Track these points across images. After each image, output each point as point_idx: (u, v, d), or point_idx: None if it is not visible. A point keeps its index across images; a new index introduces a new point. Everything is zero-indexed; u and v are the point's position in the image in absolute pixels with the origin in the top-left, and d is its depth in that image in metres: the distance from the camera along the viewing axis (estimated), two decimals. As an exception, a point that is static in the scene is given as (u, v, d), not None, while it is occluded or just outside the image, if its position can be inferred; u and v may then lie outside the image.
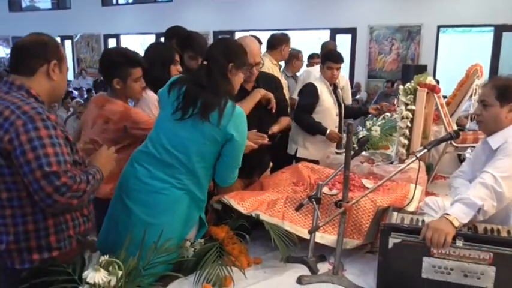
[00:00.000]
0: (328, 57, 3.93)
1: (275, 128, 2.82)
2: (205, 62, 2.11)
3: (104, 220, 2.16)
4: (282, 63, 5.18)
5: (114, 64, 2.45)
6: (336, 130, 3.91)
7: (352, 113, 4.36)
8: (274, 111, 2.80)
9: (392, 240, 1.86)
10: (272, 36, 4.72)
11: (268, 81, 2.98)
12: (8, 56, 16.24)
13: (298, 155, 3.96)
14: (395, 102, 4.31)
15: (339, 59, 3.93)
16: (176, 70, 2.78)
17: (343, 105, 4.13)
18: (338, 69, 3.92)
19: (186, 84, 2.07)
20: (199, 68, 2.14)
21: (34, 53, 1.75)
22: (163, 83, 2.21)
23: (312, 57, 5.71)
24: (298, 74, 5.41)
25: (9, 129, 1.60)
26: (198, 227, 2.21)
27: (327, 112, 3.89)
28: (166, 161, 2.03)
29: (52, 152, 1.60)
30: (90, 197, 1.78)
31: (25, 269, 1.71)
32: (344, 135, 3.92)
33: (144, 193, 2.03)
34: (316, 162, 3.27)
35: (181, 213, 2.06)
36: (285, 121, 3.01)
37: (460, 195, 1.95)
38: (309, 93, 3.86)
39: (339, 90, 4.12)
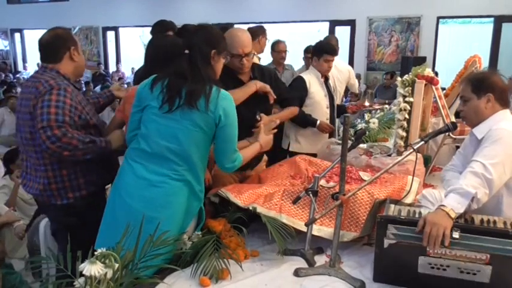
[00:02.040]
0: (326, 50, 3.87)
1: (276, 117, 2.77)
2: (186, 51, 2.08)
3: (102, 220, 2.16)
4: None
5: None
6: (328, 122, 3.87)
7: None
8: (272, 102, 2.80)
9: (388, 241, 1.86)
10: (248, 29, 4.64)
11: (265, 73, 2.97)
12: (7, 48, 16.27)
13: (290, 149, 3.92)
14: (367, 101, 4.30)
15: (335, 52, 3.91)
16: None
17: (335, 97, 4.09)
18: (332, 61, 3.91)
19: (169, 76, 2.06)
20: (181, 58, 2.09)
21: (58, 44, 2.37)
22: None
23: (307, 51, 5.20)
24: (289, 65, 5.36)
25: (37, 96, 2.19)
26: (197, 219, 2.21)
27: (317, 105, 3.85)
28: (159, 154, 2.03)
29: (54, 111, 2.14)
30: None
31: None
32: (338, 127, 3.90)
33: (142, 188, 2.02)
34: (309, 155, 3.25)
35: (181, 205, 2.06)
36: (291, 110, 3.05)
37: (452, 186, 1.96)
38: (298, 86, 3.82)
39: (330, 81, 4.07)
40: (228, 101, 2.05)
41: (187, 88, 2.00)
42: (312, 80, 3.84)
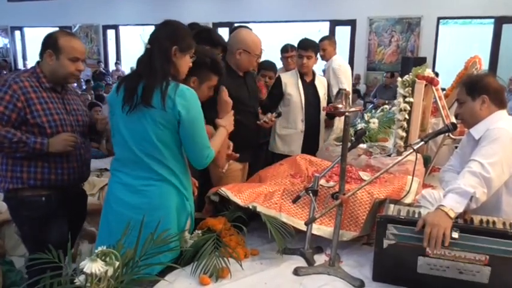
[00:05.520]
0: (298, 44, 3.84)
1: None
2: (148, 46, 2.04)
3: (98, 232, 2.18)
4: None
5: (200, 64, 2.34)
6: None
7: None
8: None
9: (387, 242, 1.87)
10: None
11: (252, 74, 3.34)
12: (7, 46, 16.28)
13: (269, 148, 3.88)
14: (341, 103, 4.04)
15: (308, 46, 3.77)
16: None
17: (323, 98, 3.92)
18: (309, 57, 3.75)
19: (129, 76, 2.05)
20: (143, 53, 2.05)
21: (42, 43, 2.44)
22: None
23: (285, 50, 4.86)
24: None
25: None
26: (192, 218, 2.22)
27: (293, 105, 3.74)
28: (134, 159, 2.02)
29: None
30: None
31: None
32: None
33: (129, 196, 2.03)
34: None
35: (172, 204, 2.06)
36: None
37: (451, 186, 1.97)
38: (275, 86, 3.84)
39: (316, 83, 3.91)
40: (187, 96, 1.98)
41: (143, 85, 1.96)
42: (288, 80, 3.78)
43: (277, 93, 3.78)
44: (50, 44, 2.40)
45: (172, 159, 2.05)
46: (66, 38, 2.42)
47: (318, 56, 4.02)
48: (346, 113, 1.99)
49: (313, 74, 3.92)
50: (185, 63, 2.11)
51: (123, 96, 2.00)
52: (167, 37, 2.03)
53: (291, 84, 3.77)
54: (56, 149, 2.37)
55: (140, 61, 2.04)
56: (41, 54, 2.44)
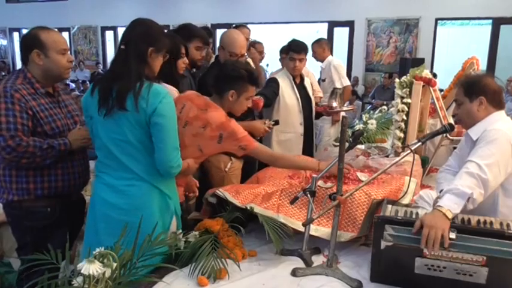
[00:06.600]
0: (290, 47, 3.69)
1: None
2: (123, 46, 2.00)
3: (85, 233, 2.18)
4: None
5: (238, 77, 2.39)
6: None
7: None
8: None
9: (384, 243, 1.87)
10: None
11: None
12: (6, 47, 16.26)
13: None
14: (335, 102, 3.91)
15: (301, 49, 3.64)
16: (182, 63, 2.71)
17: (313, 98, 3.89)
18: (301, 60, 3.64)
19: (103, 78, 2.03)
20: (117, 54, 2.03)
21: (23, 46, 2.31)
22: (172, 78, 2.17)
23: (283, 51, 4.74)
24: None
25: None
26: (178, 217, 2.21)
27: (290, 108, 3.64)
28: (117, 161, 2.02)
29: (4, 120, 2.13)
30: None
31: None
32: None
33: (113, 196, 2.03)
34: None
35: (154, 204, 2.06)
36: None
37: (448, 186, 1.97)
38: (270, 87, 3.63)
39: (306, 84, 3.84)
40: (161, 96, 1.94)
41: (117, 87, 1.94)
42: (283, 83, 3.66)
43: (274, 87, 3.60)
44: (33, 43, 2.26)
45: (152, 158, 2.02)
46: (45, 33, 2.29)
47: (309, 56, 3.97)
48: (341, 113, 2.00)
49: (301, 75, 3.82)
50: (159, 62, 2.10)
51: (98, 99, 1.99)
52: (143, 38, 2.00)
53: (286, 87, 3.66)
54: (77, 146, 2.33)
55: (115, 62, 2.02)
56: (26, 58, 2.29)
